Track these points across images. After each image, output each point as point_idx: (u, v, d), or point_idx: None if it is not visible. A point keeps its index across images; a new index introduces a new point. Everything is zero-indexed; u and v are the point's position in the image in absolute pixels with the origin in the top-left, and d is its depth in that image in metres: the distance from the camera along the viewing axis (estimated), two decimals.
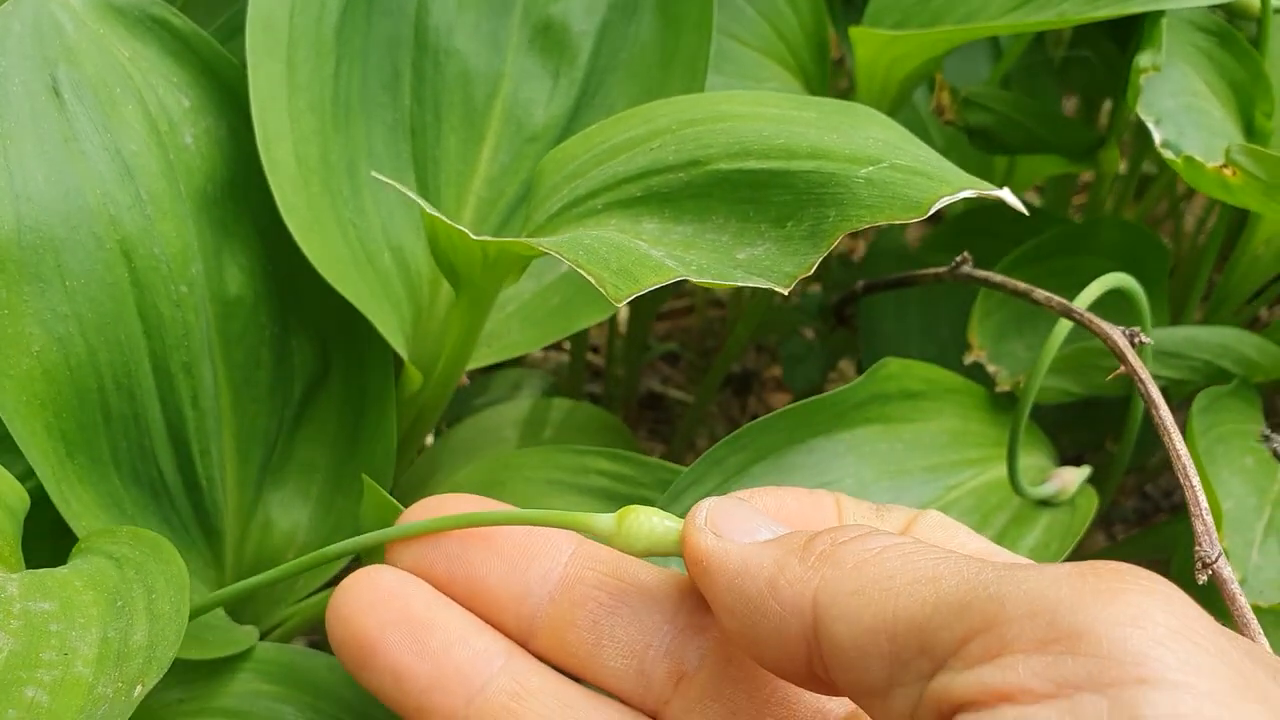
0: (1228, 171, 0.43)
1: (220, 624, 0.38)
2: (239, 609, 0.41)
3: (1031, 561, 0.21)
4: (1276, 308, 0.83)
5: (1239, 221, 0.57)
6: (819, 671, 0.23)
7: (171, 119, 0.39)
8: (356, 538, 0.31)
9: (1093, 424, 0.57)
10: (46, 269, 0.35)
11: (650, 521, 0.27)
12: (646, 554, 0.27)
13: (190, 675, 0.37)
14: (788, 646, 0.23)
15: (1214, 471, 0.44)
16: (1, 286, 0.34)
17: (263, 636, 0.39)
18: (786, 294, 0.30)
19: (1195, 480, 0.31)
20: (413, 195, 0.33)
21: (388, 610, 0.28)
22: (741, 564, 0.24)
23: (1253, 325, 0.77)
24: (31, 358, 0.34)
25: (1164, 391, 0.56)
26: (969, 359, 0.46)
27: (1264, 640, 0.32)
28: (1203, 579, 0.31)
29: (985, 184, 0.30)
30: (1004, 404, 0.46)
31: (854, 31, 0.50)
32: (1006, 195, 0.30)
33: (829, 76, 0.59)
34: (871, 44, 0.49)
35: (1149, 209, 0.78)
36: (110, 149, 0.37)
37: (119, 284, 0.37)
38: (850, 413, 0.40)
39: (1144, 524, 0.86)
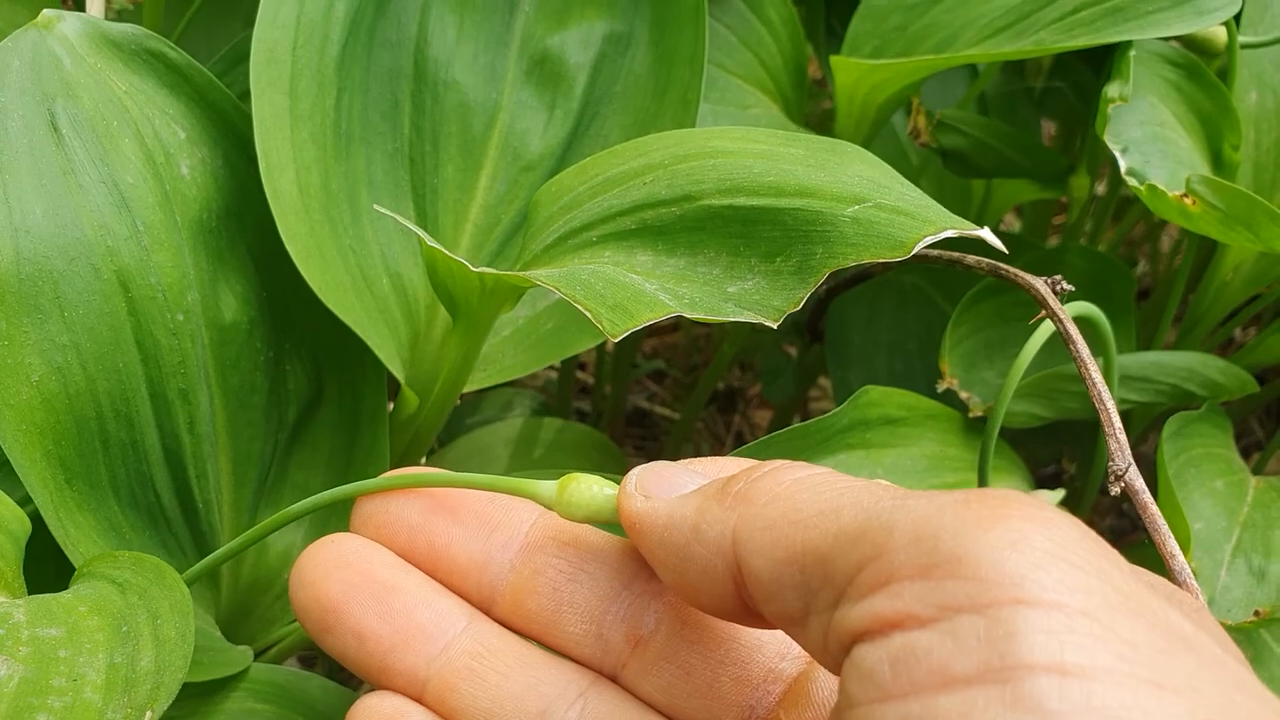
0: (1188, 201, 0.44)
1: (215, 645, 0.39)
2: (233, 629, 0.42)
3: (935, 491, 0.22)
4: (1250, 330, 0.85)
5: (1209, 248, 0.58)
6: (750, 605, 0.24)
7: (168, 150, 0.40)
8: (319, 495, 0.31)
9: (1062, 441, 0.58)
10: (45, 300, 0.36)
11: (590, 490, 0.27)
12: (587, 520, 0.28)
13: (183, 695, 0.37)
14: (717, 587, 0.24)
15: (1184, 495, 0.45)
16: (1, 318, 0.35)
17: (257, 656, 0.40)
18: (775, 327, 0.31)
19: (1110, 404, 0.32)
20: (413, 227, 0.34)
21: (351, 574, 0.28)
22: (668, 517, 0.25)
23: (1227, 347, 0.78)
24: (31, 387, 0.35)
25: (1129, 415, 0.57)
26: (941, 387, 0.48)
27: (1180, 557, 0.32)
28: (1115, 490, 0.32)
29: (967, 223, 0.31)
30: (980, 428, 0.47)
31: (834, 60, 0.51)
32: (986, 235, 0.31)
33: (809, 99, 0.61)
34: (850, 72, 0.51)
35: (1126, 232, 0.80)
36: (107, 181, 0.38)
37: (116, 314, 0.37)
38: (834, 439, 0.41)
39: (1121, 542, 0.88)
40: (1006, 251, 0.32)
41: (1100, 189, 0.78)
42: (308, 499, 0.32)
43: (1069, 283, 0.54)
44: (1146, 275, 0.95)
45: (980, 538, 0.19)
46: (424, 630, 0.28)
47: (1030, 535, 0.19)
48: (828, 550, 0.21)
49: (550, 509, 0.28)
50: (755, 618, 0.25)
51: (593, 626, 0.28)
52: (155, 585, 0.32)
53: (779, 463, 0.25)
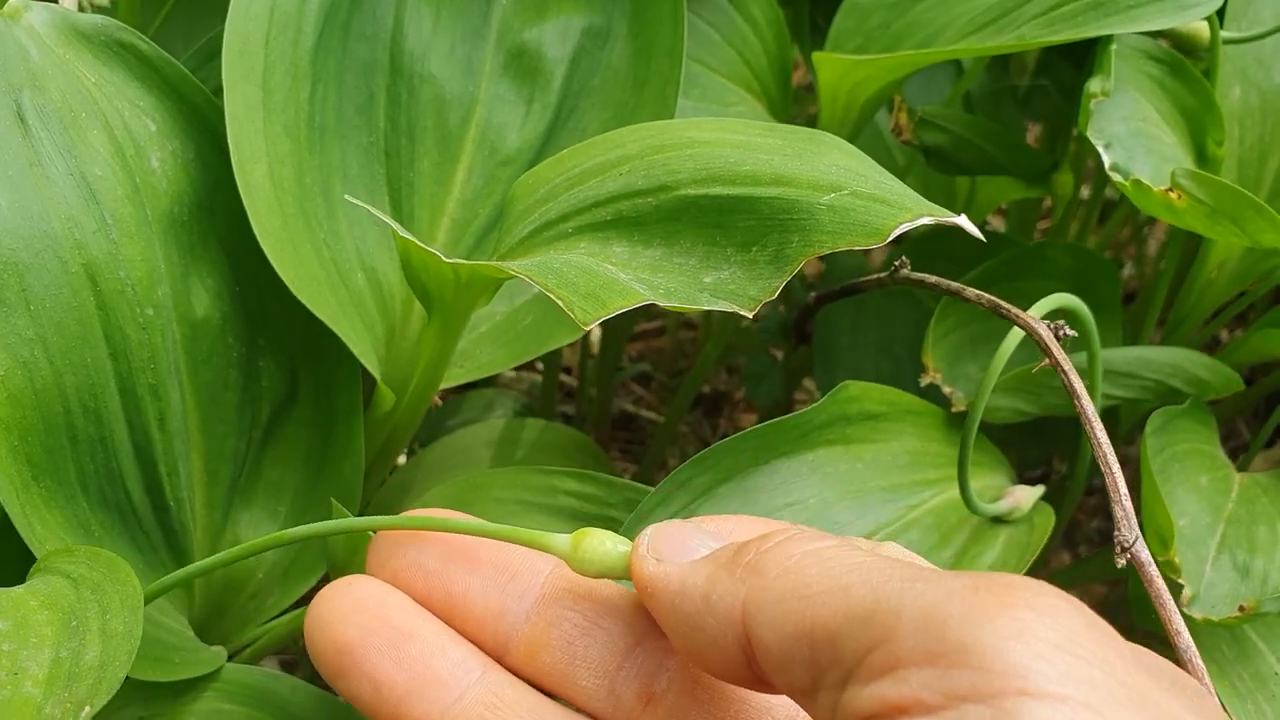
0: (1173, 195, 0.44)
1: (187, 645, 0.38)
2: (207, 629, 0.41)
3: (942, 572, 0.22)
4: (1237, 331, 0.85)
5: (1194, 247, 0.58)
6: (759, 674, 0.24)
7: (138, 143, 0.39)
8: (317, 524, 0.31)
9: (1052, 442, 0.58)
10: (10, 293, 0.35)
11: (604, 546, 0.28)
12: (599, 576, 0.28)
13: (153, 695, 0.37)
14: (727, 655, 0.24)
15: (1168, 490, 0.45)
16: None
17: (231, 657, 0.39)
18: (752, 316, 0.31)
19: (1115, 466, 0.32)
20: (385, 218, 0.33)
21: (368, 618, 0.28)
22: (680, 584, 0.25)
23: (1213, 346, 0.78)
24: None
25: (1116, 411, 0.57)
26: (925, 381, 0.47)
27: (1184, 632, 0.32)
28: (1121, 563, 0.32)
29: (943, 210, 0.31)
30: (962, 425, 0.46)
31: (817, 56, 0.51)
32: (963, 222, 0.31)
33: (794, 99, 0.60)
34: (834, 68, 0.50)
35: (1112, 234, 0.80)
36: (75, 173, 0.37)
37: (84, 307, 0.37)
38: (813, 434, 0.41)
39: (1107, 543, 0.87)
40: (984, 240, 0.32)
41: (1085, 192, 0.78)
42: (285, 531, 0.32)
43: (1055, 278, 0.54)
44: (1133, 278, 0.95)
45: (987, 626, 0.20)
46: (439, 678, 0.28)
47: (1035, 626, 0.20)
48: (837, 629, 0.22)
49: (564, 562, 0.28)
50: (765, 685, 0.25)
51: (605, 682, 0.28)
52: (108, 579, 0.31)
53: (790, 531, 0.25)
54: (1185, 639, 0.32)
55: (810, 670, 0.22)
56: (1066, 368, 0.34)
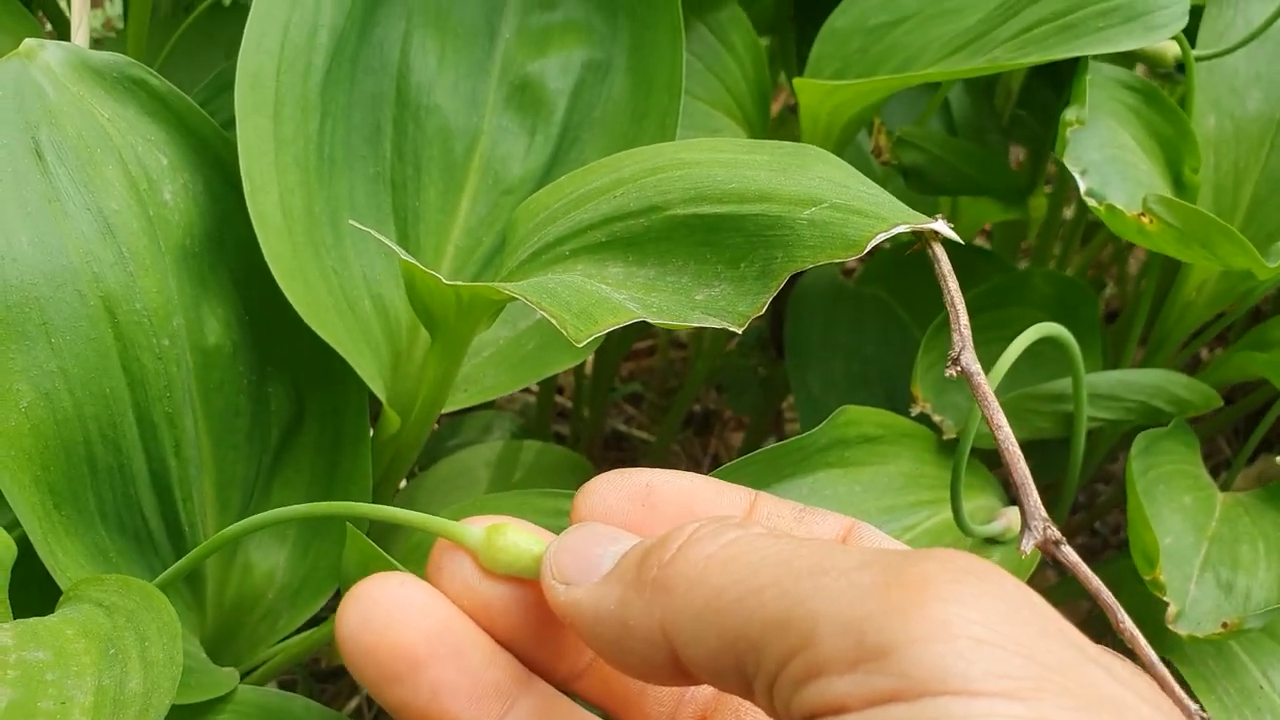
0: (1145, 220, 0.46)
1: (201, 667, 0.39)
2: (219, 650, 0.42)
3: (859, 552, 0.22)
4: (1218, 350, 0.87)
5: (1174, 268, 0.60)
6: (700, 680, 0.24)
7: (150, 177, 0.40)
8: (291, 508, 0.31)
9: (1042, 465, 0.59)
10: (32, 327, 0.36)
11: (516, 547, 0.26)
12: (508, 572, 0.27)
13: (169, 718, 0.38)
14: (663, 670, 0.24)
15: (1154, 510, 0.46)
16: None
17: (243, 678, 0.40)
18: (740, 332, 0.32)
19: (955, 289, 0.32)
20: (387, 242, 0.34)
21: (431, 623, 0.27)
22: (594, 612, 0.25)
23: (1194, 366, 0.80)
24: (19, 414, 0.35)
25: (1099, 433, 0.58)
26: (915, 410, 0.48)
27: (1036, 502, 0.32)
28: (953, 373, 0.32)
29: (919, 216, 0.32)
30: (954, 448, 0.48)
31: (797, 82, 0.52)
32: (940, 226, 0.32)
33: (783, 127, 0.62)
34: (813, 93, 0.52)
35: (1095, 254, 0.82)
36: (92, 208, 0.38)
37: (103, 339, 0.37)
38: (813, 457, 0.42)
39: (1093, 560, 0.89)
40: (962, 241, 0.33)
41: (1068, 213, 0.79)
42: (282, 509, 0.31)
43: (1038, 305, 0.55)
44: (1115, 297, 0.97)
45: (902, 629, 0.20)
46: (499, 687, 0.27)
47: (953, 620, 0.19)
48: (756, 637, 0.21)
49: (475, 556, 0.27)
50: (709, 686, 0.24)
51: (666, 710, 0.28)
52: (143, 608, 0.32)
53: (689, 530, 0.24)
54: (1098, 586, 0.32)
55: (740, 676, 0.22)
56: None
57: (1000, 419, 0.32)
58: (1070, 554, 0.32)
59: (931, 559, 0.21)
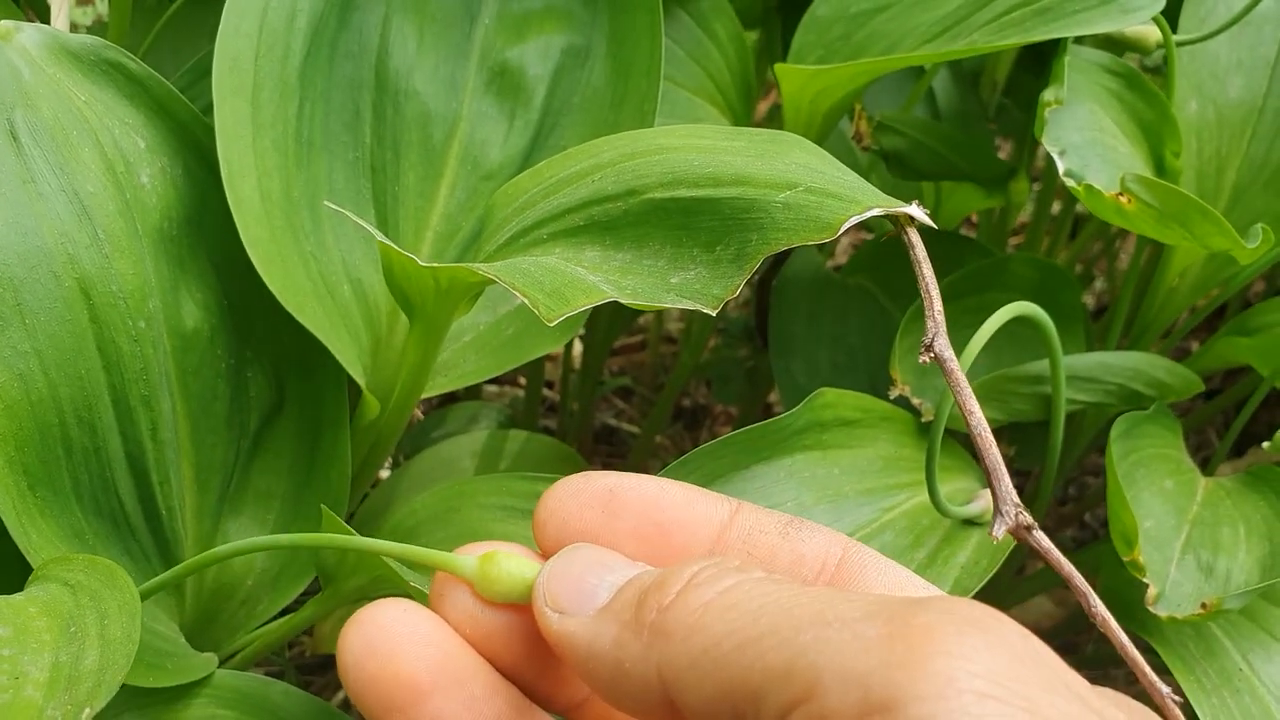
0: (1123, 199, 0.46)
1: (179, 651, 0.39)
2: (197, 636, 0.42)
3: (862, 601, 0.21)
4: (1205, 339, 0.87)
5: (1157, 255, 0.60)
6: None
7: (128, 159, 0.40)
8: (275, 537, 0.31)
9: (1022, 448, 0.59)
10: (6, 307, 0.36)
11: (510, 572, 0.26)
12: (509, 602, 0.26)
13: (147, 702, 0.38)
14: (657, 711, 0.23)
15: (1134, 494, 0.46)
16: None
17: (221, 663, 0.40)
18: (714, 314, 0.32)
19: (929, 275, 0.32)
20: (364, 224, 0.34)
21: (434, 653, 0.26)
22: (587, 649, 0.24)
23: (1181, 356, 0.80)
24: None
25: (1081, 416, 0.58)
26: (894, 394, 0.48)
27: (1008, 487, 0.31)
28: (926, 359, 0.32)
29: (893, 200, 0.32)
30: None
31: (779, 68, 0.52)
32: (915, 210, 0.32)
33: (769, 120, 0.62)
34: (795, 79, 0.52)
35: (1082, 248, 0.82)
36: (68, 190, 0.38)
37: (78, 321, 0.37)
38: (791, 439, 0.42)
39: (1080, 549, 0.89)
40: (935, 226, 0.33)
41: (1056, 207, 0.79)
42: (277, 537, 0.31)
43: (1019, 290, 0.55)
44: (1104, 293, 0.97)
45: (908, 685, 0.19)
46: (499, 718, 0.26)
47: (958, 676, 0.19)
48: (756, 687, 0.21)
49: (470, 585, 0.26)
50: None
51: None
52: (106, 587, 0.32)
53: (687, 573, 0.24)
54: (1070, 571, 0.32)
55: None
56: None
57: (973, 404, 0.32)
58: (1042, 539, 0.32)
59: (935, 609, 0.21)
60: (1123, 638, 0.32)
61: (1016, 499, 0.32)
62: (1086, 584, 0.32)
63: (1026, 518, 0.32)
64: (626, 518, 0.27)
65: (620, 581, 0.25)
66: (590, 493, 0.27)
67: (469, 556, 0.26)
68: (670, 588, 0.23)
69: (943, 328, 0.32)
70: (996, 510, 0.31)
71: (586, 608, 0.25)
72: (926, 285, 0.33)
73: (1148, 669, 0.31)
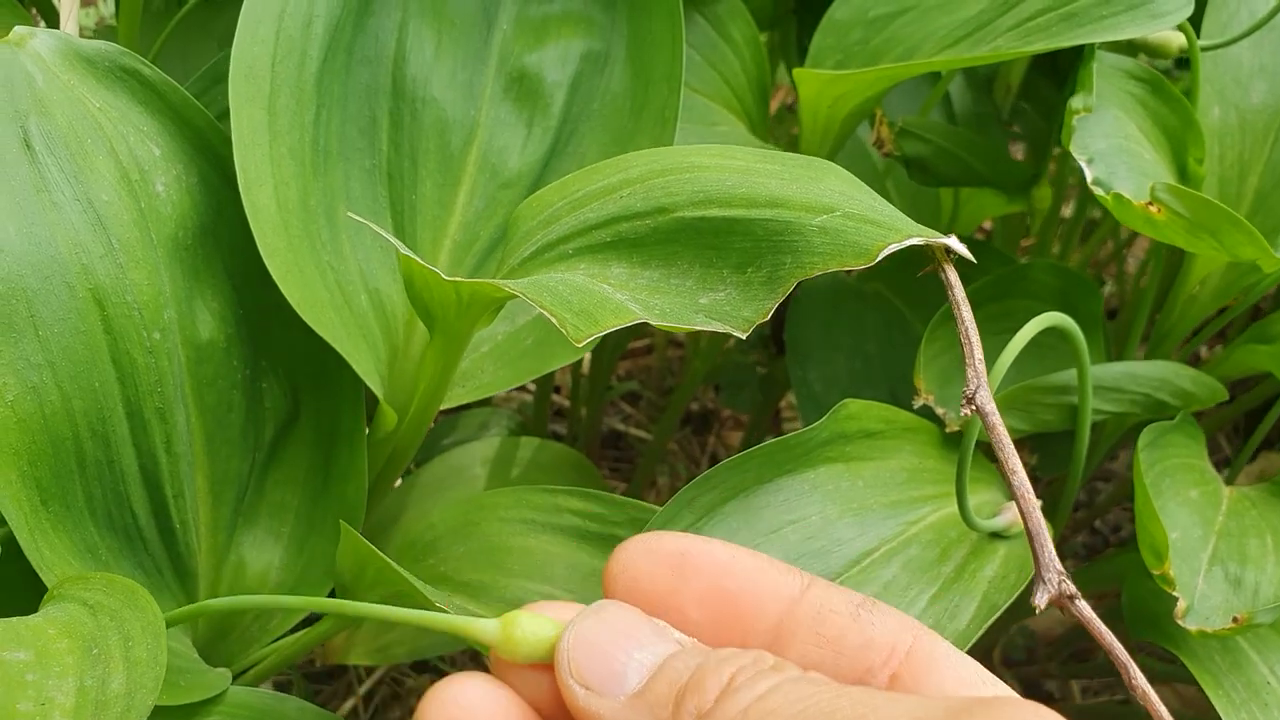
0: (1153, 209, 0.45)
1: (193, 667, 0.38)
2: (211, 651, 0.41)
3: (904, 703, 0.21)
4: (1217, 347, 0.86)
5: (1176, 264, 0.59)
6: None
7: (142, 168, 0.39)
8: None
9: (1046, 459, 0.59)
10: (19, 319, 0.35)
11: (533, 634, 0.25)
12: (529, 661, 0.26)
13: (160, 719, 0.37)
14: None
15: (1161, 504, 0.45)
16: None
17: (235, 678, 0.39)
18: (745, 337, 0.31)
19: (969, 319, 0.32)
20: (388, 236, 0.34)
21: None
22: None
23: (1194, 363, 0.80)
24: (5, 407, 0.34)
25: (1102, 426, 0.57)
26: (918, 403, 0.48)
27: (1051, 555, 0.31)
28: (968, 412, 0.32)
29: (932, 232, 0.31)
30: (958, 442, 0.47)
31: (798, 72, 0.51)
32: (953, 242, 0.31)
33: (781, 124, 0.61)
34: (814, 84, 0.51)
35: (1093, 253, 0.81)
36: (82, 199, 0.37)
37: (92, 332, 0.37)
38: (814, 452, 0.41)
39: (1094, 557, 0.88)
40: (975, 260, 0.33)
41: (1067, 211, 0.79)
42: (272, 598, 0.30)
43: (1040, 298, 0.55)
44: (1113, 295, 0.96)
45: None
46: None
47: None
48: None
49: (494, 650, 0.26)
50: None
51: None
52: (127, 607, 0.31)
53: (723, 676, 0.23)
54: (1111, 642, 0.32)
55: None
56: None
57: (1015, 463, 0.31)
58: (1085, 609, 0.31)
59: (979, 713, 0.20)
60: (1163, 712, 0.31)
61: (1060, 566, 0.31)
62: (1127, 656, 0.31)
63: (1069, 587, 0.31)
64: (696, 581, 0.26)
65: (650, 661, 0.24)
66: (662, 553, 0.26)
67: (490, 621, 0.26)
68: (709, 689, 0.23)
69: (984, 380, 0.32)
70: (1039, 577, 0.31)
71: (615, 689, 0.24)
72: (966, 331, 0.32)
73: None
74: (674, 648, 0.24)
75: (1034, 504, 0.31)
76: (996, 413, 0.30)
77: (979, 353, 0.31)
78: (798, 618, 0.26)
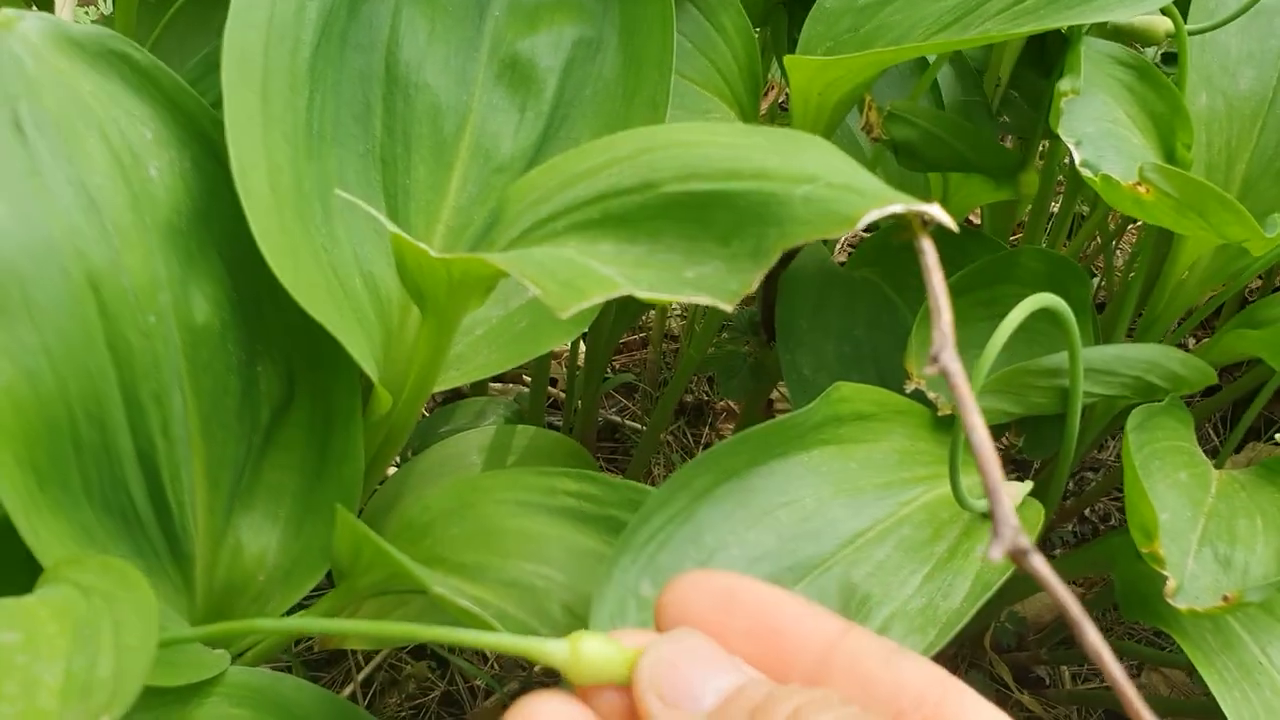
0: (1141, 189, 0.45)
1: (191, 649, 0.38)
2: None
3: None
4: (1205, 338, 0.87)
5: (1163, 253, 0.59)
6: None
7: (135, 152, 0.39)
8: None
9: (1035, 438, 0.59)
10: (13, 303, 0.35)
11: (603, 654, 0.26)
12: (593, 681, 0.26)
13: (159, 699, 0.37)
14: None
15: (1150, 485, 0.46)
16: None
17: (233, 660, 0.39)
18: (731, 310, 0.31)
19: (940, 285, 0.32)
20: (377, 215, 0.34)
21: None
22: None
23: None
24: (0, 391, 0.35)
25: (1089, 408, 0.58)
26: (909, 388, 0.48)
27: (1007, 509, 0.32)
28: (932, 371, 0.32)
29: (913, 199, 0.31)
30: (949, 424, 0.47)
31: (788, 60, 0.51)
32: (935, 210, 0.31)
33: (774, 118, 0.61)
34: (804, 70, 0.51)
35: (1081, 246, 0.82)
36: (75, 182, 0.37)
37: (87, 316, 0.37)
38: (807, 435, 0.42)
39: (1082, 544, 0.89)
40: (956, 229, 0.33)
41: (1054, 207, 0.79)
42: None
43: (1028, 284, 0.55)
44: (1101, 288, 0.97)
45: None
46: None
47: None
48: None
49: (562, 671, 0.27)
50: None
51: None
52: (120, 590, 0.31)
53: (791, 705, 0.24)
54: (1064, 596, 0.32)
55: None
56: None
57: (975, 419, 0.31)
58: (1039, 563, 0.32)
59: None
60: (1114, 671, 0.31)
61: (1015, 521, 0.31)
62: (1081, 611, 0.31)
63: (1024, 542, 0.32)
64: (742, 618, 0.27)
65: (725, 687, 0.25)
66: (711, 589, 0.27)
67: (560, 641, 0.27)
68: (777, 715, 0.24)
69: (949, 340, 0.32)
70: (995, 532, 0.31)
71: (691, 707, 0.25)
72: (935, 295, 0.32)
73: (1139, 705, 0.30)
74: (746, 679, 0.26)
75: (994, 460, 0.31)
76: (961, 371, 0.31)
77: (947, 315, 0.32)
78: (835, 659, 0.27)
